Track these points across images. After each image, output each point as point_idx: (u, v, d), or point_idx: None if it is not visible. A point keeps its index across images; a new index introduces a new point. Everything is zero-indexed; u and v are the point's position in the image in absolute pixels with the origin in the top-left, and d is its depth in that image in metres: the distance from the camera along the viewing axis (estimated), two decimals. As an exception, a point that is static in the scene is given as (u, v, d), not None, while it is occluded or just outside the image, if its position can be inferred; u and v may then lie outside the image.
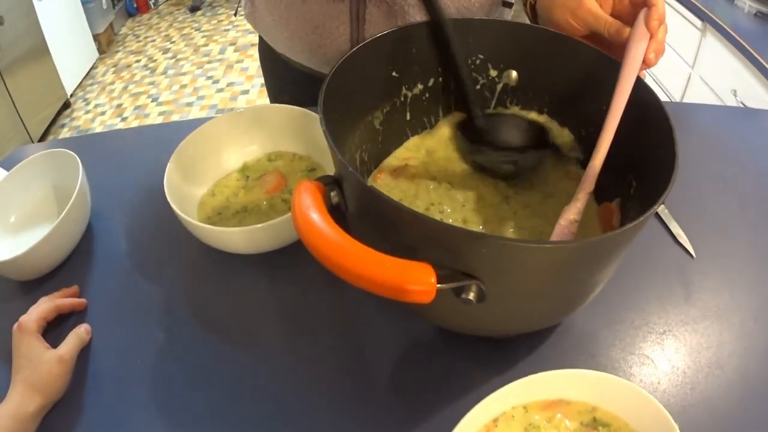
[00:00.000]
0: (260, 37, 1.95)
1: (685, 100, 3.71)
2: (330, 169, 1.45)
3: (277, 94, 2.08)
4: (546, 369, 0.96)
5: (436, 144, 1.36)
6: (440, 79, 1.32)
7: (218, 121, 1.55)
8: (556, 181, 1.27)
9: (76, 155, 1.53)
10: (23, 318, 1.24)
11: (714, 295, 1.21)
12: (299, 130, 1.55)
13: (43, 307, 1.28)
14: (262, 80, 5.89)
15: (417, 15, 1.51)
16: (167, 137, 1.78)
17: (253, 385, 1.17)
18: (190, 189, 1.49)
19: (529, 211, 1.21)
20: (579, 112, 1.23)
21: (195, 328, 1.29)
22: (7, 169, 1.71)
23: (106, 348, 1.29)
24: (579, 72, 1.20)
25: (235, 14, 1.90)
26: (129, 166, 1.75)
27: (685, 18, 3.66)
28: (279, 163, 1.55)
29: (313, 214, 0.84)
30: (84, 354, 1.27)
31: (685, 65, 3.78)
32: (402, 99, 1.31)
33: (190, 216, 1.31)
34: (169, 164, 1.41)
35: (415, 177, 1.29)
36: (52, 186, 1.63)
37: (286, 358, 1.21)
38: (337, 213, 0.90)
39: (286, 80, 1.93)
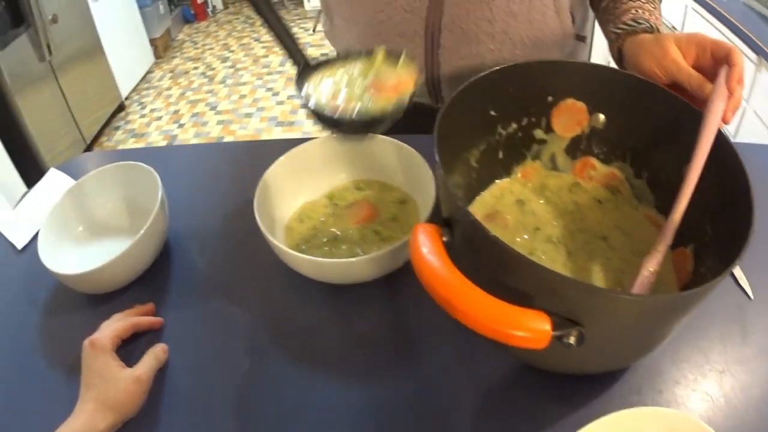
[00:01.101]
0: (337, 54, 1.95)
1: (739, 135, 3.67)
2: (421, 202, 1.45)
3: None
4: (619, 405, 1.02)
5: (521, 188, 1.39)
6: (533, 119, 1.34)
7: (309, 146, 1.53)
8: (634, 223, 1.30)
9: (153, 170, 1.52)
10: (98, 335, 1.22)
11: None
12: (389, 160, 1.53)
13: (120, 325, 1.27)
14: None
15: (489, 42, 1.57)
16: (247, 156, 1.82)
17: (339, 417, 1.17)
18: (276, 212, 1.47)
19: (612, 254, 1.25)
20: (658, 158, 1.26)
21: (283, 356, 1.28)
22: (68, 173, 1.72)
23: (183, 369, 1.28)
24: (662, 119, 1.22)
25: (313, 31, 1.91)
26: (207, 183, 1.75)
27: (741, 51, 3.60)
28: (368, 193, 1.54)
29: (433, 259, 0.88)
30: (160, 373, 1.26)
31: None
32: (497, 137, 1.33)
33: (278, 240, 1.30)
34: (258, 188, 1.39)
35: (508, 225, 1.30)
36: (123, 198, 1.61)
37: (372, 390, 1.21)
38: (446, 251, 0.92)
39: None
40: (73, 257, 1.50)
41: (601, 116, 1.31)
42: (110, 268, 1.34)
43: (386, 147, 1.51)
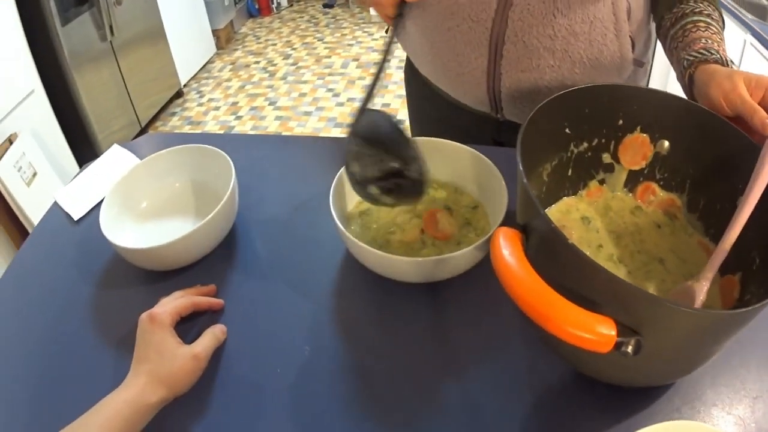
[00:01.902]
0: (407, 57, 2.04)
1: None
2: (489, 207, 1.49)
3: (416, 114, 2.17)
4: (659, 420, 1.09)
5: (586, 206, 1.43)
6: (603, 140, 1.39)
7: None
8: (689, 249, 1.34)
9: (226, 155, 1.53)
10: (157, 310, 1.23)
11: None
12: (462, 166, 1.54)
13: (181, 302, 1.28)
14: (383, 100, 6.01)
15: (549, 58, 1.61)
16: (317, 151, 1.84)
17: (384, 412, 1.19)
18: (348, 207, 1.50)
19: (667, 276, 1.29)
20: (715, 188, 1.30)
21: (339, 348, 1.29)
22: (131, 151, 1.73)
23: (241, 352, 1.29)
24: (722, 151, 1.26)
25: (386, 31, 1.97)
26: (276, 174, 1.76)
27: None
28: (443, 194, 1.56)
29: (513, 261, 0.96)
30: (216, 354, 1.27)
31: None
32: (569, 155, 1.38)
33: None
34: (335, 180, 1.41)
35: (572, 240, 1.32)
36: (191, 180, 1.63)
37: (431, 387, 1.22)
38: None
39: (425, 101, 2.02)
40: (132, 232, 1.51)
41: (666, 143, 1.36)
42: (176, 245, 1.35)
43: (461, 153, 1.53)
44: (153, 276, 1.43)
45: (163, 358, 1.16)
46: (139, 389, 1.11)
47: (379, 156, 1.36)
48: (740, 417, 1.14)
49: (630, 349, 0.90)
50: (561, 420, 1.16)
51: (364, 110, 1.43)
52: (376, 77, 1.43)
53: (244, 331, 1.33)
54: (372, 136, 1.39)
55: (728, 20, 4.39)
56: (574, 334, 0.89)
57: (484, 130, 1.85)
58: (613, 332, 0.89)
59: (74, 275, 1.47)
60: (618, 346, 0.90)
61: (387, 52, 1.48)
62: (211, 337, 1.26)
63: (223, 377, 1.24)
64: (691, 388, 1.20)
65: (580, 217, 1.40)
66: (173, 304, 1.27)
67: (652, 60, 1.91)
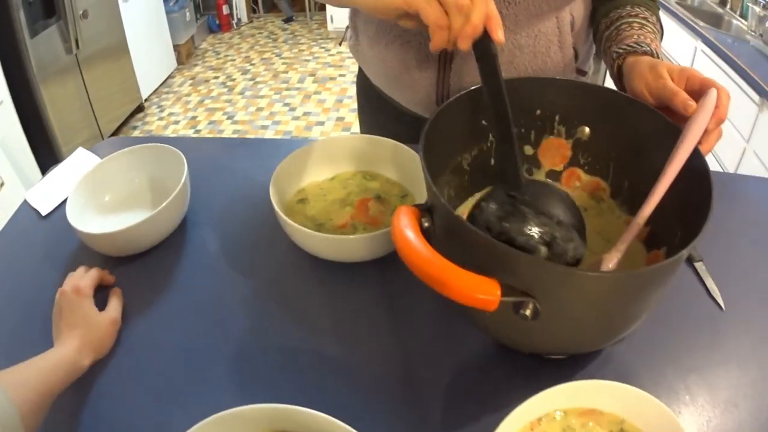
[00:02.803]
0: (359, 68, 2.09)
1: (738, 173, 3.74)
2: (419, 197, 1.59)
3: (369, 123, 2.20)
4: None
5: None
6: (522, 130, 1.43)
7: (321, 143, 1.68)
8: (615, 230, 1.37)
9: (180, 152, 1.65)
10: (80, 284, 1.37)
11: (736, 344, 1.30)
12: (391, 160, 1.68)
13: (92, 275, 1.42)
14: (338, 114, 6.13)
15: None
16: (263, 151, 1.96)
17: (321, 374, 1.29)
18: (288, 197, 1.63)
19: (591, 257, 1.29)
20: (638, 169, 1.32)
21: (283, 322, 1.40)
22: (96, 153, 1.85)
23: (189, 328, 1.40)
24: (644, 134, 1.30)
25: (340, 44, 2.00)
26: (224, 171, 1.87)
27: (744, 92, 3.72)
28: (376, 184, 1.68)
29: (409, 233, 1.00)
30: (169, 332, 1.39)
31: (740, 139, 3.84)
32: (488, 145, 1.42)
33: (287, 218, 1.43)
34: (275, 173, 1.54)
35: None
36: (149, 177, 1.75)
37: (358, 355, 1.33)
38: (426, 235, 1.03)
39: (379, 111, 2.06)
40: (96, 222, 1.63)
41: (587, 129, 1.41)
42: (131, 231, 1.48)
43: (388, 148, 1.67)
44: (113, 262, 1.54)
45: (90, 325, 1.30)
46: (74, 351, 1.23)
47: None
48: (673, 389, 1.21)
49: (528, 312, 0.96)
50: (483, 387, 1.24)
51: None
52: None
53: (192, 309, 1.44)
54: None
55: (679, 28, 4.53)
56: (462, 293, 0.94)
57: None
58: (498, 291, 0.94)
59: (43, 263, 1.57)
60: (516, 309, 0.97)
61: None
62: (117, 302, 1.41)
63: (174, 349, 1.36)
64: (621, 363, 1.26)
65: None
66: (90, 276, 1.42)
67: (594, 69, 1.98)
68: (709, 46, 4.10)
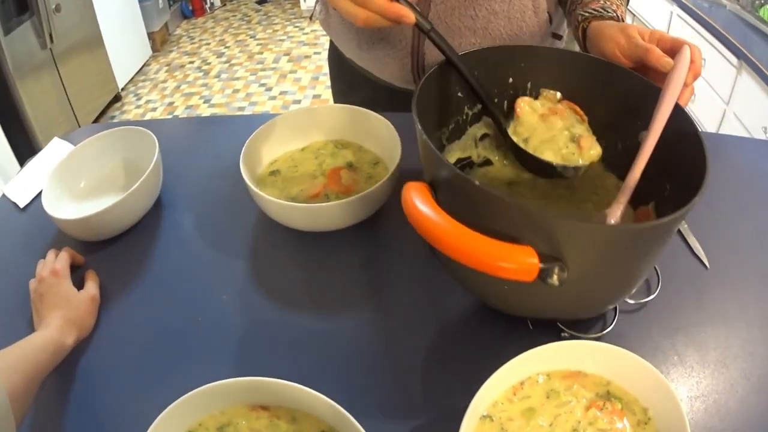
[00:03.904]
0: (331, 41, 2.09)
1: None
2: (389, 164, 1.59)
3: (341, 95, 2.20)
4: None
5: (489, 154, 1.47)
6: (496, 100, 1.40)
7: (288, 115, 1.67)
8: (594, 189, 1.40)
9: (152, 133, 1.65)
10: (56, 266, 1.39)
11: (723, 304, 1.30)
12: (362, 128, 1.67)
13: (64, 256, 1.44)
14: (314, 91, 6.13)
15: (471, 37, 1.69)
16: (234, 128, 1.95)
17: (306, 345, 1.31)
18: (259, 169, 1.63)
19: (573, 210, 1.37)
20: (622, 131, 1.32)
21: (259, 294, 1.41)
22: (71, 142, 1.84)
23: (167, 305, 1.42)
24: (623, 96, 1.30)
25: (311, 18, 2.01)
26: (196, 150, 1.88)
27: (722, 55, 3.75)
28: (347, 153, 1.68)
29: (427, 209, 0.96)
30: (148, 311, 1.40)
31: (720, 101, 3.87)
32: (464, 117, 1.42)
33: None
34: (245, 146, 1.54)
35: None
36: (122, 160, 1.74)
37: (342, 321, 1.35)
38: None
39: (351, 83, 2.07)
40: (72, 209, 1.63)
41: (558, 94, 1.39)
42: (105, 214, 1.48)
43: (363, 116, 1.66)
44: (90, 247, 1.55)
45: (71, 304, 1.32)
46: (57, 331, 1.24)
47: None
48: (659, 349, 1.22)
49: (555, 278, 0.93)
50: (466, 352, 1.25)
51: None
52: None
53: (169, 287, 1.46)
54: None
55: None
56: (499, 266, 0.90)
57: (408, 106, 1.80)
58: (535, 259, 0.90)
59: (23, 254, 1.57)
60: (543, 275, 0.92)
61: None
62: (93, 281, 1.43)
63: (153, 327, 1.37)
64: (603, 319, 1.27)
65: (507, 180, 1.44)
66: (62, 258, 1.44)
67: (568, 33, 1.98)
68: (685, 11, 4.09)
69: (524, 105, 1.37)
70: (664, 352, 1.21)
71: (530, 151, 1.32)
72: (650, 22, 4.80)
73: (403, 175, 1.29)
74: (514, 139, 1.35)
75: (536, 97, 1.40)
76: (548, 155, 1.30)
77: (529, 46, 1.44)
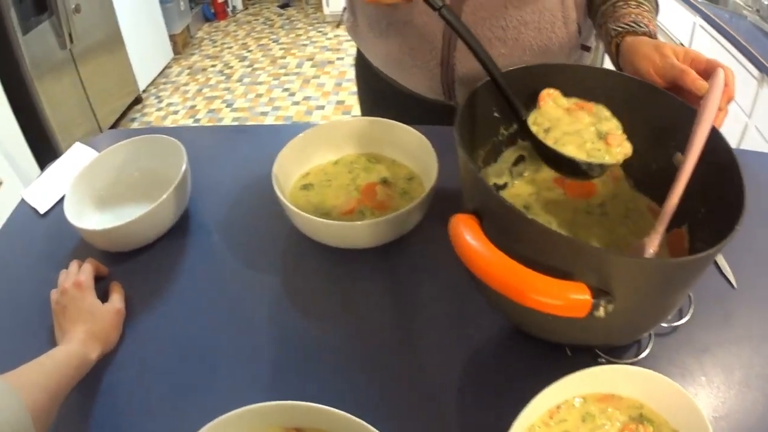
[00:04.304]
0: (358, 49, 2.07)
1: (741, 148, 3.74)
2: (425, 179, 1.56)
3: (368, 104, 2.19)
4: None
5: (526, 186, 1.45)
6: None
7: (320, 127, 1.64)
8: (626, 212, 1.38)
9: (179, 142, 1.61)
10: (80, 278, 1.36)
11: (749, 323, 1.29)
12: (394, 141, 1.64)
13: (88, 268, 1.41)
14: (337, 97, 6.11)
15: (501, 47, 1.67)
16: (263, 138, 1.93)
17: (335, 362, 1.28)
18: (291, 183, 1.60)
19: (607, 238, 1.33)
20: (653, 149, 1.31)
21: (293, 314, 1.39)
22: (93, 148, 1.82)
23: (197, 323, 1.38)
24: (658, 117, 1.29)
25: (338, 26, 1.97)
26: (225, 161, 1.84)
27: (744, 67, 3.68)
28: (381, 167, 1.64)
29: (478, 244, 0.96)
30: (174, 326, 1.37)
31: (742, 114, 3.81)
32: (500, 138, 1.40)
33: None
34: (277, 160, 1.51)
35: None
36: (148, 169, 1.70)
37: (375, 346, 1.31)
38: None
39: (378, 93, 2.05)
40: (95, 218, 1.61)
41: None
42: (131, 226, 1.44)
43: (398, 131, 1.62)
44: (115, 256, 1.51)
45: (95, 317, 1.29)
46: (81, 344, 1.22)
47: None
48: (687, 369, 1.21)
49: (602, 311, 0.92)
50: (498, 375, 1.23)
51: None
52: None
53: (197, 302, 1.43)
54: None
55: (677, 4, 4.49)
56: (551, 304, 0.90)
57: (436, 117, 1.84)
58: (588, 296, 0.91)
59: (42, 262, 1.54)
60: (591, 309, 0.92)
61: None
62: (119, 293, 1.39)
63: (180, 343, 1.34)
64: (636, 342, 1.26)
65: (522, 204, 1.40)
66: (86, 270, 1.40)
67: (598, 45, 1.96)
68: (708, 22, 4.06)
69: (549, 99, 1.32)
70: (692, 373, 1.21)
71: (550, 143, 1.26)
72: (674, 33, 4.75)
73: (436, 192, 1.32)
74: (533, 129, 1.30)
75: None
76: (570, 149, 1.24)
77: (565, 65, 1.44)
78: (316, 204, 1.54)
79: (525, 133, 1.32)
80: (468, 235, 0.97)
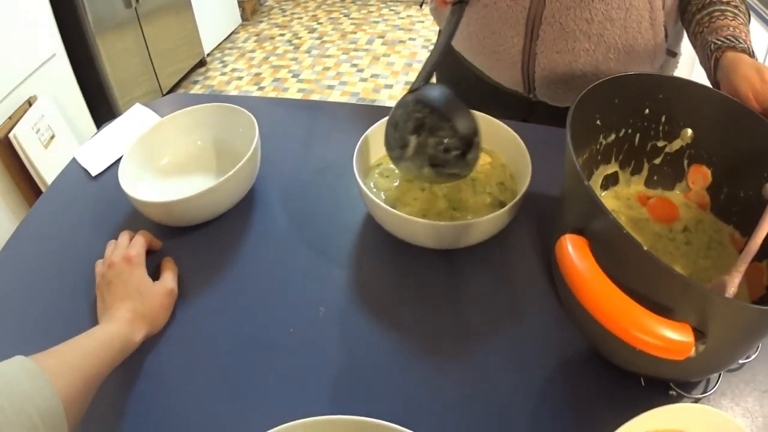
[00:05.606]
0: (440, 32, 1.98)
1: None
2: (517, 176, 1.47)
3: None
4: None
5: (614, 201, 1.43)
6: (629, 131, 1.38)
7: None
8: (709, 242, 1.34)
9: (250, 114, 1.54)
10: (131, 252, 1.28)
11: None
12: (491, 140, 1.52)
13: (142, 242, 1.33)
14: (407, 77, 6.02)
15: (585, 41, 1.65)
16: (340, 116, 1.84)
17: (405, 372, 1.20)
18: (370, 170, 1.49)
19: (690, 270, 1.29)
20: (739, 177, 1.29)
21: (358, 310, 1.30)
22: (154, 110, 1.75)
23: (254, 310, 1.31)
24: (750, 142, 1.25)
25: (421, 6, 1.95)
26: (297, 136, 1.77)
27: None
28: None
29: (589, 272, 0.94)
30: (228, 313, 1.29)
31: None
32: (597, 146, 1.36)
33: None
34: (358, 145, 1.42)
35: None
36: (214, 138, 1.63)
37: (443, 355, 1.23)
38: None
39: (458, 77, 2.02)
40: (151, 187, 1.52)
41: (689, 131, 1.35)
42: (192, 200, 1.37)
43: (492, 127, 1.53)
44: (168, 231, 1.44)
45: (143, 296, 1.22)
46: (125, 324, 1.15)
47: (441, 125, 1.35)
48: (748, 409, 1.16)
49: (693, 350, 0.90)
50: (572, 401, 1.17)
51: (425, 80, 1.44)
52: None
53: (258, 290, 1.35)
54: (436, 106, 1.37)
55: (753, 19, 4.40)
56: (652, 344, 0.88)
57: (514, 110, 1.85)
58: (691, 339, 0.88)
59: (89, 229, 1.49)
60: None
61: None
62: (172, 272, 1.32)
63: (235, 334, 1.26)
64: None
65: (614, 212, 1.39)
66: (138, 244, 1.33)
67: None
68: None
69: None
70: (752, 414, 1.16)
71: None
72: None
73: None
74: None
75: (670, 133, 1.38)
76: None
77: (670, 77, 1.38)
78: (396, 195, 1.44)
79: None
80: (577, 258, 0.96)
